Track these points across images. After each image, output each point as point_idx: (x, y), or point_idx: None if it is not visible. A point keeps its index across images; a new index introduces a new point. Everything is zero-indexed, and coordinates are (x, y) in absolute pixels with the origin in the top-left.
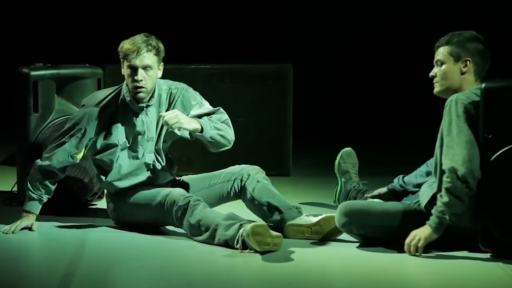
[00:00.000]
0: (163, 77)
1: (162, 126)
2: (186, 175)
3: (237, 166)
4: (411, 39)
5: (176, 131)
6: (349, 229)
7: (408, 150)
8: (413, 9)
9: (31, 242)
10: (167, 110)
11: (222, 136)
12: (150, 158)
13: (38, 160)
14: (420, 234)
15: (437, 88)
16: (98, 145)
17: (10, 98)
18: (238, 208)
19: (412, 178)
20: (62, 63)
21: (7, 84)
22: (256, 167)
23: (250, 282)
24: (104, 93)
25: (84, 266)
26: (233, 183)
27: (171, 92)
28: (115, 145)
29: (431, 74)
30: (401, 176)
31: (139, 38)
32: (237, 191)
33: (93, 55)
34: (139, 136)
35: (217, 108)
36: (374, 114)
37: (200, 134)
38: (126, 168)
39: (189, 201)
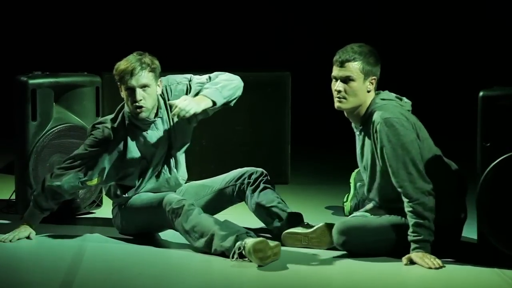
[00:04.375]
0: None
1: (171, 132)
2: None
3: (239, 169)
4: (409, 47)
5: (191, 116)
6: (348, 248)
7: None
8: (410, 16)
9: (29, 251)
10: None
11: (231, 89)
12: (165, 169)
13: (49, 178)
14: (423, 258)
15: (345, 105)
16: (115, 172)
17: (8, 106)
18: (235, 214)
19: None
20: (61, 71)
21: (5, 93)
22: (259, 170)
23: None
24: (112, 119)
25: (83, 274)
26: (236, 187)
27: (163, 98)
28: (132, 171)
29: (337, 88)
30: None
31: (132, 58)
32: (240, 195)
33: (91, 63)
34: (155, 152)
35: (209, 75)
36: None
37: (214, 107)
38: (149, 186)
39: (183, 205)
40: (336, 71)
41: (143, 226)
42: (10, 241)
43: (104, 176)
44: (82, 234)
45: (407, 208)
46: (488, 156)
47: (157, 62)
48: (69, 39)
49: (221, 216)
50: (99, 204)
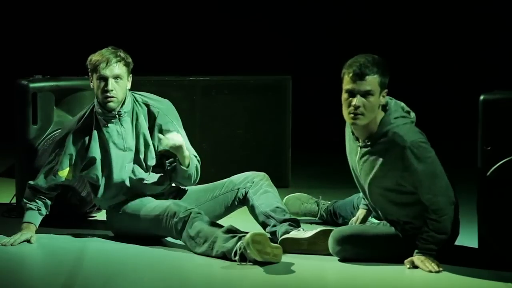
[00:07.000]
0: (161, 87)
1: (139, 136)
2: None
3: (241, 174)
4: (409, 50)
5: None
6: (343, 257)
7: None
8: (411, 19)
9: (30, 255)
10: (150, 130)
11: (194, 176)
12: (129, 167)
13: (30, 181)
14: (424, 261)
15: (362, 121)
16: (80, 161)
17: (9, 110)
18: (238, 219)
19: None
20: (61, 75)
21: (6, 96)
22: (261, 174)
23: None
24: (81, 112)
25: (83, 278)
26: (237, 192)
27: (150, 111)
28: (94, 159)
29: (356, 104)
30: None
31: (106, 50)
32: (241, 199)
33: None
34: (117, 147)
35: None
36: None
37: (184, 167)
38: (112, 181)
39: (190, 213)
40: (354, 85)
41: (146, 233)
42: (12, 244)
43: (72, 164)
44: (83, 237)
45: (430, 219)
46: (488, 160)
47: (130, 58)
48: (70, 43)
49: (224, 220)
50: (99, 208)
